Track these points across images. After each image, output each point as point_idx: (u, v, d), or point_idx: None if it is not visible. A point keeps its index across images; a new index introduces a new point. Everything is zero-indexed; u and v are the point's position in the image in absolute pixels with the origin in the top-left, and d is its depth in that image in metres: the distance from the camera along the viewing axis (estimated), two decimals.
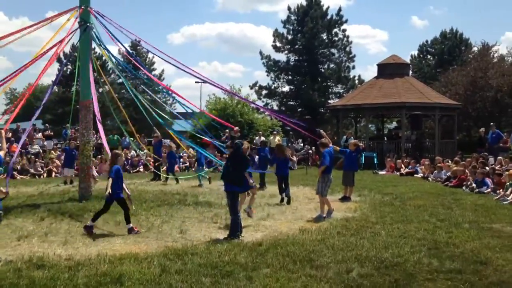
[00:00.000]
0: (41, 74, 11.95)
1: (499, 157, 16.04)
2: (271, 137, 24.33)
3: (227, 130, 18.18)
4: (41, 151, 21.48)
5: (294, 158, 19.27)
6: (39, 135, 23.83)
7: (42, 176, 18.90)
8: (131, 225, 8.10)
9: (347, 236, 7.67)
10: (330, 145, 10.18)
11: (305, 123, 17.05)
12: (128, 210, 8.20)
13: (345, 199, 11.82)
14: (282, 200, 11.65)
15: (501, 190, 12.30)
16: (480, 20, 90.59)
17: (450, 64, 41.04)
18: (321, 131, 12.22)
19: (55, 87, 42.32)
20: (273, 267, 5.97)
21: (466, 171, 14.83)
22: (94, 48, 13.46)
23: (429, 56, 49.81)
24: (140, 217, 9.43)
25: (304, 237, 7.61)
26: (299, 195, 12.64)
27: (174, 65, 13.54)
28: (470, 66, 31.12)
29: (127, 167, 20.64)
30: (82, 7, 12.06)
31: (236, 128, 17.57)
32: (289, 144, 27.78)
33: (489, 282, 5.48)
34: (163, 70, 56.71)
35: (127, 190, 8.45)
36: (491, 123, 20.95)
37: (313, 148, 25.13)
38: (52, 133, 25.70)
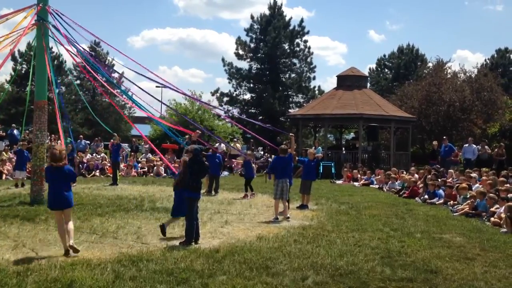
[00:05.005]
0: None
1: (450, 170, 16.59)
2: (232, 144, 24.29)
3: (187, 136, 17.97)
4: None
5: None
6: None
7: None
8: None
9: (304, 244, 7.75)
10: (289, 152, 10.56)
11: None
12: None
13: (302, 207, 11.95)
14: (244, 196, 13.50)
15: (452, 201, 12.75)
16: (435, 37, 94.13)
17: (406, 78, 42.42)
18: (292, 135, 12.52)
19: (9, 86, 40.96)
20: (229, 274, 5.95)
21: (419, 182, 15.30)
22: (52, 47, 13.04)
23: (386, 70, 51.38)
24: (95, 222, 9.21)
25: (261, 244, 7.63)
26: (258, 202, 12.67)
27: (136, 66, 13.34)
28: (425, 81, 32.13)
29: (82, 171, 20.12)
30: (40, 5, 11.73)
31: (197, 131, 17.01)
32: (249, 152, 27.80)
33: None
34: (122, 73, 56.00)
35: None
36: (444, 137, 21.72)
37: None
38: (4, 134, 24.68)
